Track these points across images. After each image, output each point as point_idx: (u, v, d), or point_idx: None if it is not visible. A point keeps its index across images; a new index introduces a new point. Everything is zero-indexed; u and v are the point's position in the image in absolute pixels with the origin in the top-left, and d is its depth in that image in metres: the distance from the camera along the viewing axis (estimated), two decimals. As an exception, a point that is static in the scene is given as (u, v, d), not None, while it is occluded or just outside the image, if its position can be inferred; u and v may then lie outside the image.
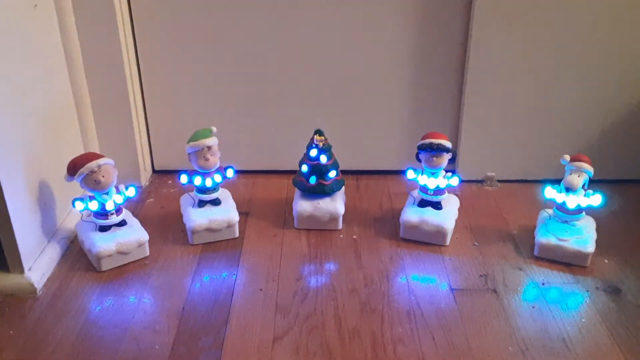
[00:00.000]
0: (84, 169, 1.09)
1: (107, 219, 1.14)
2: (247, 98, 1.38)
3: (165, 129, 1.41)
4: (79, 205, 1.12)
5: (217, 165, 1.20)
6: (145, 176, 1.44)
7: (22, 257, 1.06)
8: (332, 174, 1.24)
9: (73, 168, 1.10)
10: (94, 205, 1.12)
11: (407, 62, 1.32)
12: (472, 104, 1.34)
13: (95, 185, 1.10)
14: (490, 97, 1.33)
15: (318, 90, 1.37)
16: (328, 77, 1.35)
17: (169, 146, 1.43)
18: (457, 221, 1.23)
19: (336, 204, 1.24)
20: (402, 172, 1.25)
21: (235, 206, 1.24)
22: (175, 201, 1.33)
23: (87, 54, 1.24)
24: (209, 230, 1.20)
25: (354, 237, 1.24)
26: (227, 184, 1.27)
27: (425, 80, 1.35)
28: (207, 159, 1.18)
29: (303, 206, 1.24)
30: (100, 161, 1.10)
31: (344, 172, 1.37)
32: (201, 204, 1.23)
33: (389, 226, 1.27)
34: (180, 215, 1.26)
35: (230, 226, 1.21)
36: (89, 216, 1.16)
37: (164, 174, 1.46)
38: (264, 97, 1.38)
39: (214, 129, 1.19)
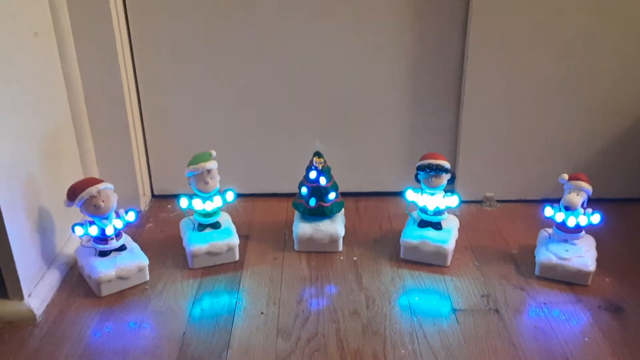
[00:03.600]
0: (84, 194, 1.09)
1: (107, 244, 1.14)
2: (246, 121, 1.39)
3: (164, 153, 1.42)
4: (79, 231, 1.12)
5: (217, 189, 1.20)
6: (145, 201, 1.44)
7: (22, 284, 1.06)
8: (332, 195, 1.25)
9: (73, 193, 1.10)
10: (93, 230, 1.12)
11: (405, 84, 1.34)
12: (469, 125, 1.35)
13: (95, 210, 1.10)
14: (488, 117, 1.34)
15: (317, 112, 1.38)
16: (327, 100, 1.37)
17: (168, 170, 1.44)
18: (457, 241, 1.24)
19: (336, 226, 1.24)
20: (402, 194, 1.25)
21: (235, 229, 1.25)
22: (175, 225, 1.33)
23: (87, 80, 1.25)
24: (209, 253, 1.20)
25: (355, 258, 1.24)
26: (227, 207, 1.26)
27: (423, 102, 1.36)
28: (206, 183, 1.18)
29: (303, 228, 1.24)
30: (100, 186, 1.10)
31: (344, 194, 1.36)
32: (201, 227, 1.23)
33: (389, 247, 1.27)
34: (180, 240, 1.26)
35: (230, 249, 1.21)
36: (88, 241, 1.16)
37: (163, 199, 1.47)
38: (263, 120, 1.39)
39: (214, 152, 1.20)
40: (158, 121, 1.38)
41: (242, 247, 1.26)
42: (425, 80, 1.33)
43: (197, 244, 1.19)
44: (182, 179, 1.21)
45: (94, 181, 1.11)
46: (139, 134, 1.38)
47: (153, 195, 1.48)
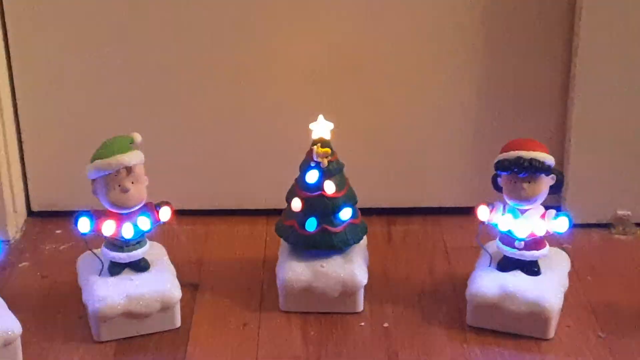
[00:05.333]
0: None
1: None
2: (191, 88, 1.45)
3: (50, 142, 1.46)
4: None
5: (143, 202, 1.21)
6: (15, 223, 1.46)
7: None
8: (345, 214, 1.24)
9: None
10: None
11: (474, 70, 1.45)
12: (585, 100, 1.40)
13: None
14: (616, 89, 1.39)
15: (319, 74, 1.44)
16: (338, 59, 1.44)
17: (57, 171, 1.47)
18: (567, 295, 1.24)
19: (353, 267, 1.24)
20: (468, 211, 1.25)
21: (174, 273, 1.25)
22: (69, 265, 1.32)
23: None
24: (129, 315, 1.20)
25: (386, 325, 1.24)
26: (159, 233, 1.27)
27: (506, 63, 1.44)
28: (125, 190, 1.18)
29: (295, 271, 1.24)
30: None
31: (367, 212, 1.36)
32: (115, 269, 1.23)
33: (446, 305, 1.27)
34: (78, 290, 1.25)
35: (165, 309, 1.21)
36: None
37: (47, 218, 1.48)
38: (223, 87, 1.45)
39: (138, 136, 1.20)
40: (41, 88, 1.44)
41: (187, 304, 1.26)
42: (506, 67, 1.45)
43: (107, 297, 1.19)
44: (83, 184, 1.21)
45: None
46: (7, 107, 1.43)
47: (30, 213, 1.50)
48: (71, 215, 1.22)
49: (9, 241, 1.42)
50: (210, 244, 1.43)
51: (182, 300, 1.23)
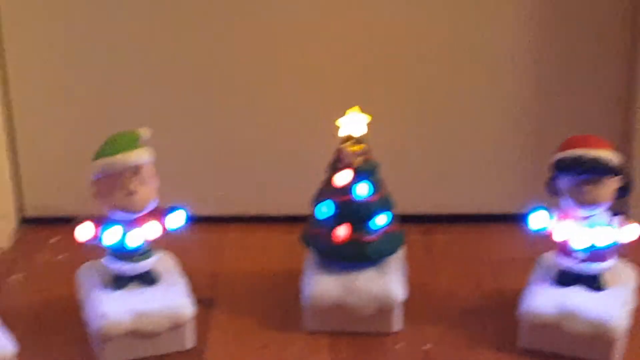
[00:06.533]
0: None
1: None
2: (205, 84, 1.45)
3: (46, 139, 1.46)
4: None
5: (151, 206, 1.18)
6: (6, 230, 1.45)
7: None
8: (381, 220, 1.22)
9: None
10: None
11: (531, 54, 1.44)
12: None
13: None
14: None
15: (348, 68, 1.43)
16: (373, 53, 1.42)
17: (53, 173, 1.47)
18: (635, 315, 1.21)
19: (388, 282, 1.22)
20: (517, 218, 1.24)
21: (185, 286, 1.22)
22: (67, 277, 1.30)
23: None
24: (135, 334, 1.18)
25: (426, 347, 1.21)
26: (169, 242, 1.25)
27: (565, 59, 1.43)
28: (131, 192, 1.15)
29: (323, 286, 1.22)
30: None
31: (404, 219, 1.32)
32: (120, 282, 1.21)
33: (494, 325, 1.25)
34: (78, 306, 1.24)
35: (176, 327, 1.19)
36: None
37: (41, 225, 1.48)
38: (239, 82, 1.44)
39: (146, 132, 1.18)
40: (37, 79, 1.43)
41: (201, 322, 1.23)
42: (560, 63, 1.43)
43: (112, 314, 1.17)
44: (82, 188, 1.21)
45: None
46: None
47: (23, 220, 1.50)
48: (69, 222, 1.21)
49: (-2, 250, 1.41)
50: (226, 255, 1.42)
51: (195, 317, 1.21)
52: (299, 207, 1.37)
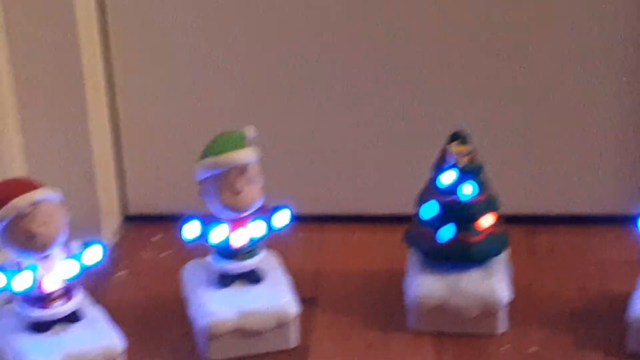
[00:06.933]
0: (7, 211, 1.08)
1: (48, 307, 1.12)
2: (305, 81, 1.44)
3: (150, 137, 1.47)
4: None
5: (257, 205, 1.18)
6: (110, 227, 1.46)
7: None
8: (485, 221, 1.21)
9: None
10: (22, 282, 1.10)
11: None
12: None
13: (26, 242, 1.08)
14: None
15: (455, 67, 1.41)
16: (478, 46, 1.40)
17: (157, 171, 1.48)
18: None
19: (494, 283, 1.21)
20: (627, 220, 1.23)
21: (289, 285, 1.23)
22: (170, 275, 1.31)
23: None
24: (241, 333, 1.18)
25: (532, 350, 1.19)
26: (274, 242, 1.25)
27: None
28: (237, 192, 1.16)
29: (427, 286, 1.21)
30: (37, 195, 1.09)
31: (508, 220, 1.30)
32: (225, 280, 1.21)
33: (602, 329, 1.22)
34: (182, 303, 1.25)
35: (281, 326, 1.19)
36: (9, 303, 1.17)
37: (145, 223, 1.49)
38: (349, 77, 1.43)
39: (252, 131, 1.18)
40: (141, 78, 1.45)
41: (304, 321, 1.23)
42: None
43: (217, 312, 1.17)
44: (187, 186, 1.22)
45: (24, 185, 1.10)
46: (103, 101, 1.43)
47: (127, 218, 1.51)
48: (170, 220, 1.23)
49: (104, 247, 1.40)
50: (327, 254, 1.41)
51: (299, 316, 1.21)
52: (399, 207, 1.39)
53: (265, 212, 1.20)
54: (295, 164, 1.47)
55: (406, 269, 1.26)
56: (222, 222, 1.18)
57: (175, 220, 1.26)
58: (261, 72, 1.44)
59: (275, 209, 1.20)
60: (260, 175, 1.18)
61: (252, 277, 1.21)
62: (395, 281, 1.31)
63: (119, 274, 1.37)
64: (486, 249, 1.21)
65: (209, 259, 1.22)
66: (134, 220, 1.50)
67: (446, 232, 1.20)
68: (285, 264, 1.27)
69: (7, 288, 1.10)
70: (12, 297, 1.15)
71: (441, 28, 1.41)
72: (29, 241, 1.08)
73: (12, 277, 1.09)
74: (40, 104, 1.36)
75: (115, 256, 1.40)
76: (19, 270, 1.09)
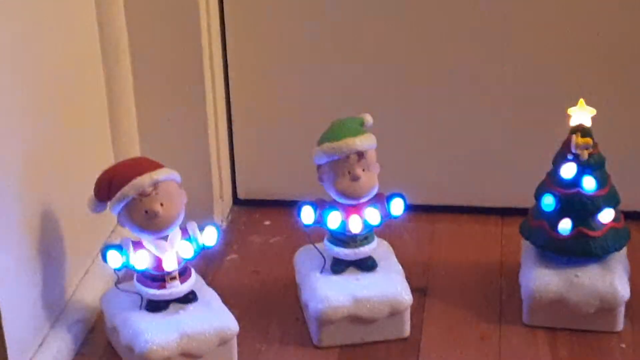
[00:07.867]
0: (128, 189, 1.09)
1: (165, 287, 1.14)
2: (428, 74, 1.43)
3: (261, 123, 1.48)
4: (114, 260, 1.13)
5: (373, 192, 1.18)
6: (222, 211, 1.47)
7: (9, 356, 1.08)
8: (606, 216, 1.20)
9: (108, 187, 1.12)
10: (141, 260, 1.12)
11: None
12: None
13: (146, 222, 1.11)
14: None
15: (574, 61, 1.39)
16: (607, 42, 1.38)
17: (267, 156, 1.49)
18: None
19: (613, 279, 1.19)
20: None
21: (403, 275, 1.22)
22: (281, 260, 1.34)
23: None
24: (354, 320, 1.18)
25: None
26: (387, 230, 1.25)
27: None
28: (355, 178, 1.16)
29: (544, 280, 1.20)
30: (158, 175, 1.10)
31: (628, 215, 1.29)
32: (339, 266, 1.22)
33: None
34: (293, 288, 1.27)
35: (394, 314, 1.19)
36: (128, 281, 1.18)
37: (255, 207, 1.50)
38: (466, 68, 1.42)
39: (369, 118, 1.20)
40: (254, 68, 1.45)
41: (415, 311, 1.24)
42: None
43: (331, 298, 1.18)
44: (300, 171, 1.26)
45: (145, 165, 1.11)
46: (219, 89, 1.45)
47: (236, 201, 1.51)
48: (280, 205, 1.32)
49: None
50: (438, 244, 1.41)
51: (411, 306, 1.21)
52: (509, 199, 1.39)
53: (381, 200, 1.19)
54: (409, 154, 1.46)
55: (520, 262, 1.24)
56: (336, 209, 1.18)
57: (284, 205, 1.27)
58: (380, 60, 1.43)
59: (391, 196, 1.20)
60: (377, 163, 1.18)
61: (367, 265, 1.21)
62: (506, 274, 1.30)
63: (229, 257, 1.38)
64: (606, 244, 1.20)
65: (324, 244, 1.22)
66: (244, 205, 1.50)
67: (566, 226, 1.18)
68: (398, 254, 1.26)
69: (125, 265, 1.12)
70: (124, 277, 1.17)
71: (566, 23, 1.38)
72: (149, 221, 1.09)
73: (128, 255, 1.11)
74: (158, 93, 1.39)
75: (226, 240, 1.40)
76: (136, 249, 1.12)
